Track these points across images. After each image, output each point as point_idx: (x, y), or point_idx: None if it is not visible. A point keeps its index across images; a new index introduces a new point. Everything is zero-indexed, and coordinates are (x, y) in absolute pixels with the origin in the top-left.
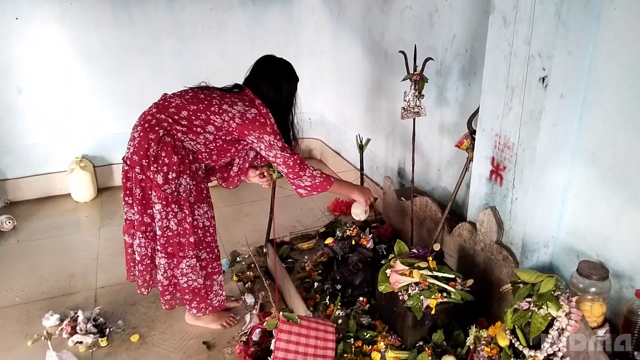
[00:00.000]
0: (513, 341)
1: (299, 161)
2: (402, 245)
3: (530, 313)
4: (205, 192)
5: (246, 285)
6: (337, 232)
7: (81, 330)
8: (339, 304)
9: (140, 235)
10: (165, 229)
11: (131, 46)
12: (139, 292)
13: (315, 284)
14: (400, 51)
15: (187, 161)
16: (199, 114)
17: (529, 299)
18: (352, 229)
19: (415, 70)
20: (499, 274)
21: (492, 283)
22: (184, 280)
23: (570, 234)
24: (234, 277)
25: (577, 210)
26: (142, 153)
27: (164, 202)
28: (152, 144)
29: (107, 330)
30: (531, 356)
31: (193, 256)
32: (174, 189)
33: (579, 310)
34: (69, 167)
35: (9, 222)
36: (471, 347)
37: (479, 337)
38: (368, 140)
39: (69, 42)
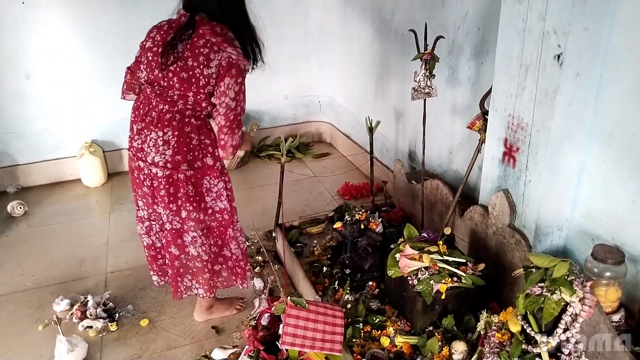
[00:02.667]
0: (525, 327)
1: (239, 121)
2: (412, 229)
3: (542, 298)
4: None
5: (255, 270)
6: (346, 216)
7: (91, 315)
8: (348, 288)
9: (200, 234)
10: (229, 202)
11: (138, 29)
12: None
13: (324, 269)
14: (410, 30)
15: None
16: (194, 91)
17: (542, 284)
18: (361, 212)
19: (425, 49)
20: (511, 258)
21: (504, 267)
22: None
23: (585, 217)
24: None
25: (592, 193)
26: (185, 149)
27: (220, 179)
28: (192, 134)
29: (117, 315)
30: (543, 342)
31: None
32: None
33: (593, 295)
34: (78, 153)
35: (20, 208)
36: (482, 332)
37: (490, 323)
38: (378, 123)
39: (76, 26)
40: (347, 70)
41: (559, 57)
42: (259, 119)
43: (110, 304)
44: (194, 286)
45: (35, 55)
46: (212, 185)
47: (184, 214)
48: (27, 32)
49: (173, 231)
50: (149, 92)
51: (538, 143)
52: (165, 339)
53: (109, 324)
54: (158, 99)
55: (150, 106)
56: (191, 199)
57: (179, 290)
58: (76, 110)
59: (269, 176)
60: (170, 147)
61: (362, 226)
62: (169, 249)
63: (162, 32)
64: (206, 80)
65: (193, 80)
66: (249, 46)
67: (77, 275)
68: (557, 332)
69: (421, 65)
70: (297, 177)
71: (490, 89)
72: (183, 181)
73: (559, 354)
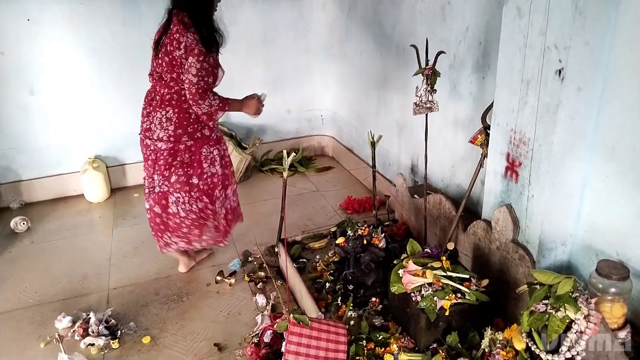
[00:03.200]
0: (530, 344)
1: (202, 89)
2: (415, 245)
3: (547, 315)
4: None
5: (257, 286)
6: (349, 232)
7: (93, 332)
8: (351, 304)
9: (185, 195)
10: (222, 168)
11: (141, 45)
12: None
13: (327, 285)
14: (411, 45)
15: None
16: (177, 72)
17: (546, 301)
18: (363, 228)
19: (427, 64)
20: (515, 274)
21: (508, 283)
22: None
23: (589, 232)
24: (246, 277)
25: (596, 207)
26: (185, 123)
27: (215, 147)
28: (190, 110)
29: (119, 332)
30: None
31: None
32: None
33: (598, 312)
34: (82, 168)
35: (24, 224)
36: (486, 350)
37: (495, 340)
38: (380, 137)
39: (80, 42)
40: (349, 84)
41: (560, 71)
42: (261, 133)
43: (112, 321)
44: (172, 242)
45: (39, 71)
46: (208, 153)
47: (173, 178)
48: (32, 48)
49: (160, 193)
50: (153, 81)
51: (540, 157)
52: (167, 357)
53: (111, 341)
54: (159, 85)
55: (155, 92)
56: (185, 165)
57: (160, 245)
58: (80, 126)
59: (272, 190)
60: (172, 123)
61: (365, 241)
62: (154, 209)
63: (157, 31)
64: (181, 61)
65: (174, 62)
66: (207, 32)
67: (79, 291)
68: (562, 350)
69: (423, 80)
70: (300, 191)
71: (492, 103)
72: (182, 150)
73: None
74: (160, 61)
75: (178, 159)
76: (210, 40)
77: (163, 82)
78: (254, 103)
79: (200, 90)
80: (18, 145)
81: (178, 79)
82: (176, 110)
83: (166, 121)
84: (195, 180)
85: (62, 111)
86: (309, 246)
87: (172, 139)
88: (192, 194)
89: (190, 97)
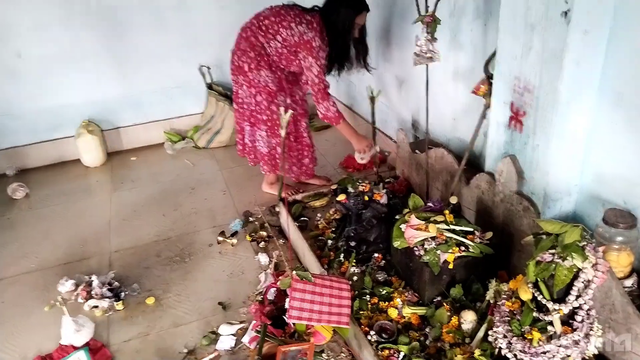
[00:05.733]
0: (536, 295)
1: (322, 91)
2: (417, 199)
3: (554, 265)
4: (285, 84)
5: (259, 245)
6: (350, 189)
7: (96, 294)
8: (354, 261)
9: (235, 107)
10: (248, 104)
11: (129, 3)
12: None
13: (329, 242)
14: None
15: (265, 58)
16: (274, 25)
17: (553, 251)
18: (364, 184)
19: (427, 11)
20: (519, 226)
21: (512, 235)
22: (258, 145)
23: (595, 181)
24: (247, 236)
25: (602, 156)
26: (241, 48)
27: (247, 85)
28: (243, 42)
29: (123, 294)
30: (555, 310)
31: (264, 129)
32: (254, 77)
33: (605, 261)
34: (76, 132)
35: (21, 190)
36: (491, 301)
37: (500, 291)
38: (379, 92)
39: (67, 2)
40: None
41: (566, 13)
42: None
43: (116, 283)
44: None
45: (25, 32)
46: (241, 85)
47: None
48: (16, 8)
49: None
50: None
51: (545, 106)
52: (171, 317)
53: (115, 303)
54: (255, 15)
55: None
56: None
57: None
58: (71, 89)
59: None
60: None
61: (366, 198)
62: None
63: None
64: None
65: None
66: (335, 53)
67: (80, 255)
68: (569, 299)
69: (422, 29)
70: None
71: (495, 51)
72: (235, 66)
73: (571, 321)
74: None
75: None
76: (334, 61)
77: None
78: (364, 141)
79: (322, 90)
80: (10, 111)
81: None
82: None
83: None
84: (264, 117)
85: (52, 74)
86: (310, 205)
87: None
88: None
89: (313, 94)
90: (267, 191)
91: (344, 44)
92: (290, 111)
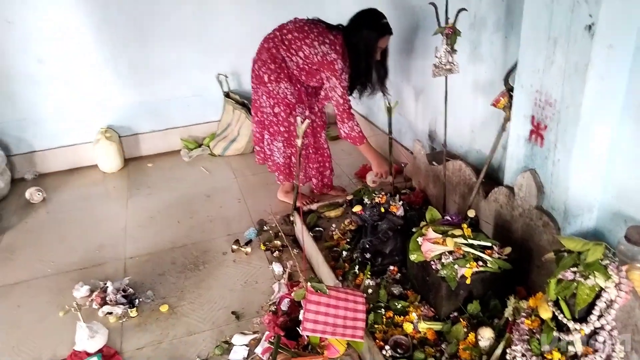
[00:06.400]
0: (556, 313)
1: (347, 111)
2: (435, 212)
3: (575, 284)
4: (304, 96)
5: (274, 254)
6: (366, 200)
7: (111, 301)
8: (369, 273)
9: (255, 116)
10: (268, 114)
11: (150, 12)
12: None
13: (344, 253)
14: (430, 2)
15: (285, 71)
16: (297, 41)
17: (575, 269)
18: (380, 195)
19: (447, 22)
20: (538, 241)
21: (531, 251)
22: (275, 155)
23: (618, 198)
24: (262, 245)
25: (625, 172)
26: (262, 59)
27: (267, 95)
28: (265, 52)
29: (137, 300)
30: (576, 329)
31: (280, 140)
32: (273, 88)
33: (629, 280)
34: (94, 138)
35: (39, 194)
36: (510, 318)
37: (519, 309)
38: (396, 103)
39: (87, 8)
40: None
41: (590, 27)
42: None
43: (130, 289)
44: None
45: (47, 40)
46: (261, 95)
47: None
48: (39, 16)
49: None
50: None
51: (567, 120)
52: (185, 325)
53: (129, 309)
54: (280, 27)
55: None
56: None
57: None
58: (91, 95)
59: None
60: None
61: (382, 209)
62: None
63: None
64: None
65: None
66: (355, 74)
67: (96, 261)
68: (591, 319)
69: (442, 40)
70: None
71: (516, 63)
72: (255, 75)
73: (592, 342)
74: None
75: None
76: (355, 82)
77: None
78: (383, 164)
79: (347, 109)
80: (30, 115)
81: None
82: None
83: None
84: (281, 128)
85: (73, 81)
86: (325, 215)
87: None
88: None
89: (337, 114)
90: (282, 199)
91: (366, 67)
92: (307, 121)
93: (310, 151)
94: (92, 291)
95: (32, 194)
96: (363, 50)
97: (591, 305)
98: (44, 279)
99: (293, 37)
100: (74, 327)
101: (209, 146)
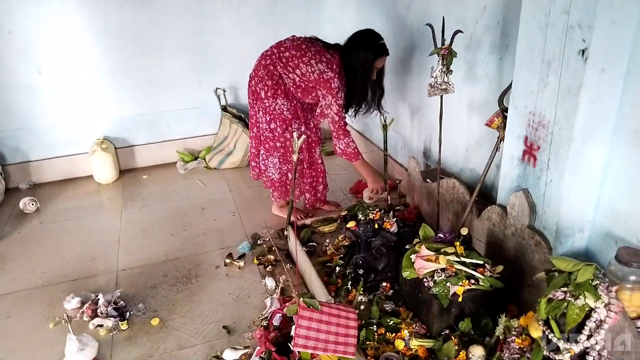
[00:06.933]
0: (546, 333)
1: (342, 128)
2: (428, 230)
3: (566, 303)
4: (300, 112)
5: (267, 269)
6: (360, 216)
7: (102, 313)
8: (362, 289)
9: (252, 132)
10: (264, 130)
11: (150, 25)
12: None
13: (337, 269)
14: (427, 24)
15: (282, 87)
16: (294, 59)
17: (565, 289)
18: (375, 212)
19: (443, 44)
20: (530, 260)
21: (523, 269)
22: (269, 172)
23: (609, 218)
24: (255, 260)
25: (616, 193)
26: (259, 75)
27: (263, 111)
28: (262, 69)
29: (128, 313)
30: (566, 349)
31: (276, 156)
32: (270, 104)
33: (619, 301)
34: (90, 149)
35: (32, 204)
36: (501, 337)
37: (510, 327)
38: (392, 120)
39: (88, 21)
40: None
41: (583, 52)
42: None
43: (121, 302)
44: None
45: (47, 51)
46: (258, 111)
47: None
48: (39, 27)
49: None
50: None
51: (560, 141)
52: (176, 339)
53: (120, 322)
54: (277, 44)
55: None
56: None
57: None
58: (88, 106)
59: None
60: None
61: (376, 226)
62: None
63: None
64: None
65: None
66: (350, 93)
67: (88, 273)
68: (580, 339)
69: (438, 61)
70: None
71: (510, 85)
72: (251, 91)
73: None
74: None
75: None
76: (351, 101)
77: None
78: (378, 183)
79: (342, 127)
80: (26, 125)
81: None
82: None
83: None
84: (277, 144)
85: (71, 92)
86: (319, 230)
87: None
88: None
89: (332, 131)
90: (277, 214)
91: (362, 86)
92: (303, 136)
93: (305, 166)
94: (83, 303)
95: (26, 204)
96: (359, 70)
97: (581, 325)
98: (35, 290)
99: (290, 54)
100: (63, 339)
101: (204, 159)
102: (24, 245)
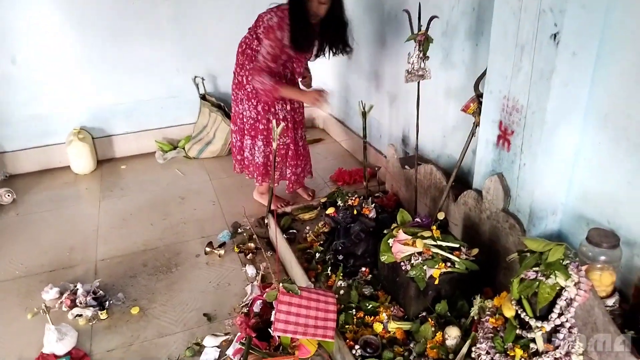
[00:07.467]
0: (519, 312)
1: (256, 68)
2: (405, 215)
3: (537, 283)
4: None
5: (247, 257)
6: (339, 202)
7: (81, 303)
8: (341, 274)
9: (235, 126)
10: (248, 117)
11: (126, 12)
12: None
13: (317, 255)
14: (404, 10)
15: None
16: (257, 28)
17: (537, 268)
18: (354, 198)
19: (419, 30)
20: (505, 243)
21: (498, 252)
22: (255, 156)
23: (581, 201)
24: (235, 248)
25: (588, 176)
26: (239, 63)
27: (246, 98)
28: (240, 56)
29: (107, 303)
30: (538, 327)
31: (261, 139)
32: (252, 89)
33: (588, 279)
34: (67, 139)
35: (9, 195)
36: (475, 317)
37: (484, 308)
38: (371, 107)
39: (63, 8)
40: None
41: (555, 36)
42: None
43: (100, 292)
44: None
45: (21, 39)
46: (241, 98)
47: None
48: (13, 14)
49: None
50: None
51: (533, 125)
52: (156, 327)
53: (99, 312)
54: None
55: None
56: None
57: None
58: (64, 96)
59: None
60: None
61: (355, 212)
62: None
63: None
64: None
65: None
66: (296, 29)
67: (66, 263)
68: (551, 317)
69: (415, 47)
70: None
71: (485, 70)
72: (235, 83)
73: (553, 339)
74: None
75: None
76: (297, 39)
77: None
78: (310, 94)
79: (259, 68)
80: (1, 116)
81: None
82: None
83: None
84: (261, 126)
85: (46, 81)
86: (299, 217)
87: None
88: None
89: (250, 71)
90: (257, 199)
91: (304, 25)
92: (282, 124)
93: (291, 147)
94: (61, 293)
95: (2, 195)
96: (297, 8)
97: (552, 304)
98: (12, 281)
99: (255, 26)
100: (42, 329)
101: (184, 148)
102: (1, 237)
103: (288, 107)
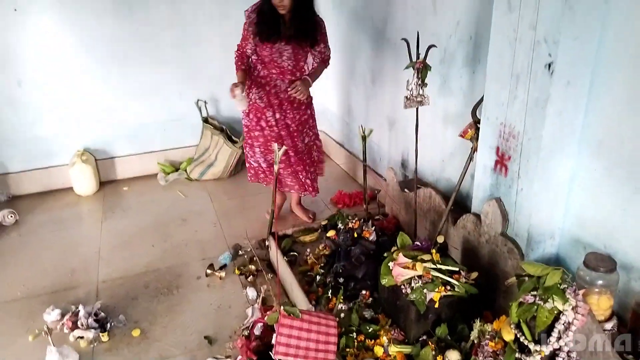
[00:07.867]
0: (518, 335)
1: (237, 47)
2: (405, 238)
3: (535, 307)
4: (273, 99)
5: (248, 279)
6: (340, 225)
7: (82, 325)
8: (342, 297)
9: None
10: (245, 126)
11: (131, 37)
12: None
13: (318, 278)
14: (402, 39)
15: (253, 75)
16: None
17: (535, 292)
18: (354, 221)
19: (418, 58)
20: (504, 267)
21: (497, 276)
22: (256, 163)
23: (577, 226)
24: (236, 270)
25: (583, 201)
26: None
27: (247, 111)
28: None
29: (109, 325)
30: (537, 351)
31: (257, 145)
32: (248, 100)
33: (585, 303)
34: (70, 161)
35: (11, 217)
36: (475, 341)
37: (484, 331)
38: (371, 131)
39: (68, 33)
40: (340, 78)
41: (549, 66)
42: None
43: (102, 313)
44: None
45: (27, 62)
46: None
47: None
48: (19, 38)
49: None
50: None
51: (529, 151)
52: (157, 350)
53: (100, 334)
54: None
55: None
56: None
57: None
58: (68, 118)
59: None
60: None
61: (356, 235)
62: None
63: None
64: None
65: None
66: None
67: (68, 284)
68: (550, 341)
69: (413, 74)
70: None
71: (482, 97)
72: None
73: None
74: None
75: None
76: (258, 24)
77: None
78: (232, 87)
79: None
80: (5, 137)
81: None
82: None
83: None
84: (256, 133)
85: (51, 103)
86: (300, 239)
87: None
88: None
89: None
90: (296, 213)
91: (268, 10)
92: (284, 147)
93: (291, 153)
94: (63, 315)
95: (5, 216)
96: None
97: (550, 328)
98: (14, 302)
99: None
100: (43, 351)
101: (186, 170)
102: (3, 258)
103: (277, 115)
